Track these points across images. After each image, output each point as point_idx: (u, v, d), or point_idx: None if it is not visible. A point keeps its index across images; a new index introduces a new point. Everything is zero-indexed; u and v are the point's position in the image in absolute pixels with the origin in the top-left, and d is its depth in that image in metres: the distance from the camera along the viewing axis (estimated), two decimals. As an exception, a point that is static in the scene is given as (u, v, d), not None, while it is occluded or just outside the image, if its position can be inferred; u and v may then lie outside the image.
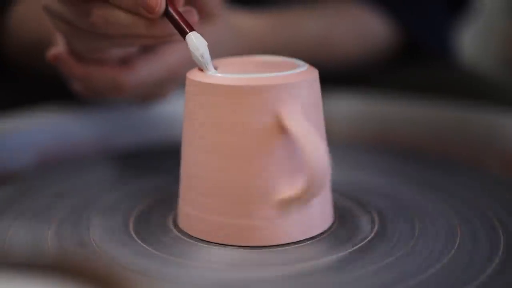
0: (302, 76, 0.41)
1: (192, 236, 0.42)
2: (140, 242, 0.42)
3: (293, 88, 0.40)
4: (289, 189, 0.39)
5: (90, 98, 0.57)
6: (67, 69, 0.51)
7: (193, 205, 0.42)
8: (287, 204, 0.40)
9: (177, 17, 0.42)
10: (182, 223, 0.43)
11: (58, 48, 0.51)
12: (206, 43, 0.42)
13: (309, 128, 0.38)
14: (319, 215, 0.43)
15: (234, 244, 0.41)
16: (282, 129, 0.39)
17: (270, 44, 0.65)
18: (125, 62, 0.50)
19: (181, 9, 0.44)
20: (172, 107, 0.60)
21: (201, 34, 0.42)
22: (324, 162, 0.37)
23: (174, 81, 0.53)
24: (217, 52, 0.53)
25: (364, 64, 0.76)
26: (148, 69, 0.50)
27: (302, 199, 0.39)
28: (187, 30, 0.42)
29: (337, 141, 0.53)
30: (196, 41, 0.41)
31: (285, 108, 0.39)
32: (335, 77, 0.68)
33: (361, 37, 0.75)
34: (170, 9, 0.42)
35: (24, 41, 0.65)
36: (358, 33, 0.75)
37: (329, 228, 0.43)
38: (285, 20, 0.69)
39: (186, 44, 0.42)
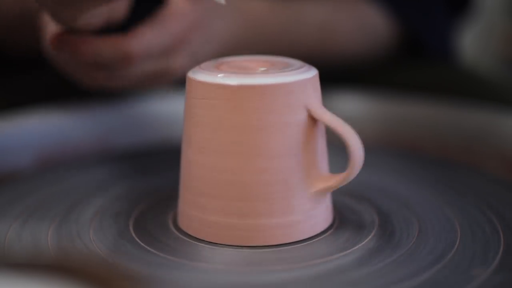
0: (312, 72, 0.42)
1: (192, 236, 0.42)
2: (140, 242, 0.42)
3: (312, 82, 0.41)
4: (320, 179, 0.41)
5: (97, 88, 0.56)
6: (73, 48, 0.49)
7: (205, 208, 0.41)
8: (322, 193, 0.41)
9: None
10: (185, 225, 0.43)
11: (54, 30, 0.50)
12: None
13: (337, 117, 0.40)
14: (324, 212, 0.43)
15: (248, 245, 0.41)
16: (313, 123, 0.41)
17: (272, 28, 0.65)
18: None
19: None
20: (172, 107, 0.60)
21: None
22: (361, 146, 0.39)
23: (182, 51, 0.52)
24: (224, 36, 0.53)
25: (364, 57, 0.75)
26: (152, 34, 0.50)
27: (336, 185, 0.41)
28: None
29: (337, 141, 0.53)
30: None
31: (312, 102, 0.41)
32: (336, 72, 0.68)
33: (362, 29, 0.75)
34: None
35: (5, 15, 0.64)
36: (359, 24, 0.75)
37: (330, 227, 0.43)
38: (286, 6, 0.69)
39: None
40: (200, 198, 0.42)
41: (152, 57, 0.51)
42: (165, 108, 0.62)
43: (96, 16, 0.48)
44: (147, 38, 0.50)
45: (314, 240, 0.42)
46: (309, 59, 0.59)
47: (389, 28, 0.76)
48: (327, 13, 0.72)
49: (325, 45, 0.70)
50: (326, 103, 0.43)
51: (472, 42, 1.49)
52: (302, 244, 0.41)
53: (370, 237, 0.42)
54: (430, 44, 0.79)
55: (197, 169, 0.42)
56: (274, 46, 0.65)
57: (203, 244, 0.41)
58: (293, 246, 0.41)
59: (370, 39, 0.76)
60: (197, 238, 0.42)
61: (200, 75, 0.41)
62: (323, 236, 0.42)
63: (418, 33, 0.77)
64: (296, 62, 0.43)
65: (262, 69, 0.42)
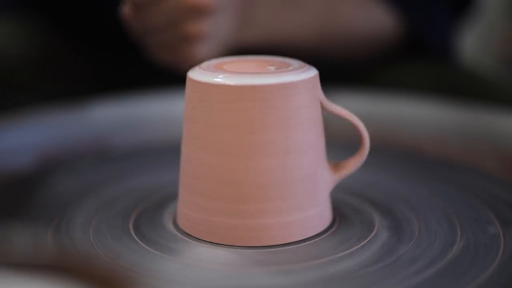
0: (312, 72, 0.42)
1: (192, 236, 0.42)
2: (140, 242, 0.42)
3: (313, 82, 0.42)
4: (332, 168, 0.43)
5: (164, 57, 0.61)
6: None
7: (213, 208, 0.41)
8: (336, 181, 0.44)
9: None
10: (184, 225, 0.43)
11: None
12: None
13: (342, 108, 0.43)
14: (325, 212, 0.43)
15: (248, 245, 0.41)
16: (313, 121, 0.42)
17: (269, 7, 0.65)
18: None
19: None
20: (172, 107, 0.60)
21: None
22: (367, 133, 0.44)
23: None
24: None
25: (366, 50, 0.75)
26: None
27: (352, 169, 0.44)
28: None
29: (337, 141, 0.53)
30: None
31: (322, 96, 0.42)
32: (337, 64, 0.68)
33: (366, 20, 0.75)
34: None
35: None
36: (363, 15, 0.75)
37: (330, 227, 0.43)
38: None
39: None
40: (200, 199, 0.42)
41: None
42: (165, 108, 0.62)
43: None
44: None
45: (314, 240, 0.41)
46: (310, 43, 0.59)
47: (393, 24, 0.76)
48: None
49: (328, 30, 0.70)
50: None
51: (472, 42, 1.49)
52: (303, 244, 0.41)
53: (370, 237, 0.42)
54: (431, 42, 0.79)
55: (196, 170, 0.42)
56: (272, 27, 0.64)
57: (202, 244, 0.41)
58: (293, 246, 0.41)
59: (374, 31, 0.76)
60: (197, 238, 0.42)
61: (200, 76, 0.41)
62: (323, 236, 0.42)
63: (420, 31, 0.77)
64: (296, 62, 0.43)
65: (262, 69, 0.42)
